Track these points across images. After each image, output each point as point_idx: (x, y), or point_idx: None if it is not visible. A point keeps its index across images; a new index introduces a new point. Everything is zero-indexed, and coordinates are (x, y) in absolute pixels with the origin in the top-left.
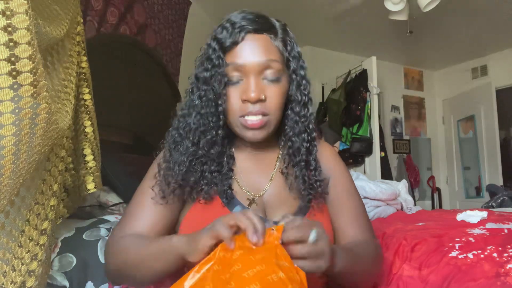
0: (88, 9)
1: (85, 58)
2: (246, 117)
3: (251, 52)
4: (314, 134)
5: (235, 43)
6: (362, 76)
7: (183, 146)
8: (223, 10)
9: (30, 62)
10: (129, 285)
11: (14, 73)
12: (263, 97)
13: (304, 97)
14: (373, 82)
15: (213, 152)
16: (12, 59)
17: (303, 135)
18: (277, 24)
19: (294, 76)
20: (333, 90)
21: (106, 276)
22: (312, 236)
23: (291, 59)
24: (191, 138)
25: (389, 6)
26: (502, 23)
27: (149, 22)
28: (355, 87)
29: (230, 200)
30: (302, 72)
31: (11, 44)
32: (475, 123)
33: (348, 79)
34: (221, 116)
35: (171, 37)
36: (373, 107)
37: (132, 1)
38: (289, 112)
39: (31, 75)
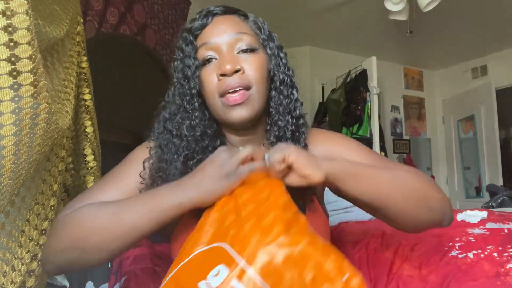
0: (88, 9)
1: (85, 58)
2: (227, 96)
3: (220, 29)
4: (302, 121)
5: (204, 25)
6: (362, 76)
7: (174, 145)
8: None
9: (31, 62)
10: (83, 268)
11: (14, 73)
12: (238, 67)
13: (286, 77)
14: (373, 82)
15: (197, 134)
16: (13, 59)
17: (287, 117)
18: (249, 14)
19: (271, 53)
20: (333, 90)
21: (44, 263)
22: (266, 157)
23: (266, 38)
24: (178, 134)
25: (389, 6)
26: (502, 23)
27: (149, 22)
28: (355, 87)
29: None
30: (281, 54)
31: (11, 44)
32: (475, 123)
33: (348, 79)
34: (195, 99)
35: (171, 37)
36: (373, 107)
37: (132, 1)
38: (273, 92)
39: (32, 75)
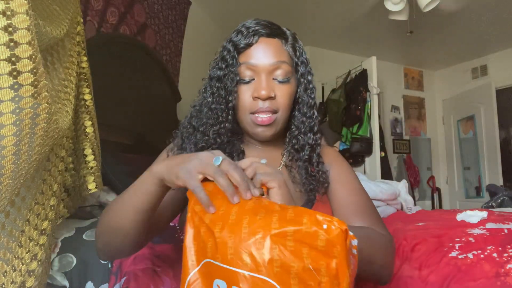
0: (88, 9)
1: (85, 58)
2: (257, 115)
3: (263, 53)
4: (319, 135)
5: (249, 45)
6: (362, 76)
7: (195, 137)
8: (223, 11)
9: (31, 62)
10: (118, 253)
11: (14, 73)
12: (273, 95)
13: (310, 100)
14: (373, 82)
15: (219, 140)
16: (13, 59)
17: (308, 134)
18: (287, 32)
19: (302, 79)
20: (333, 90)
21: (96, 249)
22: (263, 160)
23: (299, 63)
24: (201, 130)
25: (389, 6)
26: (502, 23)
27: (149, 22)
28: (355, 87)
29: None
30: (309, 77)
31: (11, 44)
32: (475, 123)
33: (348, 79)
34: (230, 112)
35: (171, 37)
36: (373, 107)
37: (132, 1)
38: (296, 113)
39: (32, 75)
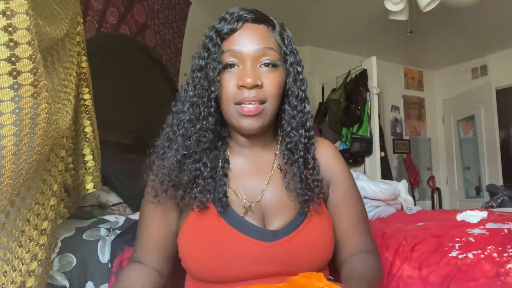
0: (88, 9)
1: (85, 58)
2: (242, 105)
3: (248, 39)
4: (312, 132)
5: (233, 30)
6: (362, 76)
7: (176, 143)
8: (223, 11)
9: (31, 62)
10: None
11: (14, 73)
12: (259, 83)
13: (301, 92)
14: (373, 82)
15: (203, 140)
16: (13, 59)
17: (300, 130)
18: (275, 21)
19: (291, 69)
20: (333, 90)
21: None
22: None
23: (288, 52)
24: (181, 132)
25: (389, 6)
26: (502, 23)
27: (149, 22)
28: (355, 87)
29: (225, 209)
30: (299, 68)
31: (11, 44)
32: (475, 123)
33: (348, 79)
34: (212, 104)
35: (171, 37)
36: (373, 107)
37: (132, 1)
38: (286, 106)
39: (32, 75)
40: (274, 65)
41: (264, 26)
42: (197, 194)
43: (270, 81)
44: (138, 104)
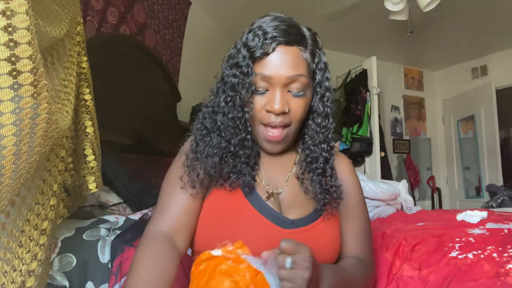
0: (88, 9)
1: (85, 58)
2: (268, 128)
3: (280, 64)
4: (333, 143)
5: (265, 54)
6: (362, 76)
7: (212, 139)
8: (223, 11)
9: (31, 62)
10: None
11: (14, 73)
12: (287, 110)
13: (326, 108)
14: (373, 82)
15: (242, 152)
16: (13, 59)
17: (322, 145)
18: (307, 35)
19: (318, 88)
20: (333, 90)
21: None
22: (288, 263)
23: (317, 71)
24: (222, 135)
25: (389, 6)
26: (502, 23)
27: (149, 22)
28: (355, 87)
29: (251, 190)
30: (326, 84)
31: (11, 44)
32: (475, 123)
33: (348, 79)
34: (248, 123)
35: (171, 37)
36: (373, 107)
37: (132, 1)
38: (310, 122)
39: (32, 75)
40: (303, 93)
41: (297, 48)
42: (232, 175)
43: (297, 107)
44: (138, 104)
